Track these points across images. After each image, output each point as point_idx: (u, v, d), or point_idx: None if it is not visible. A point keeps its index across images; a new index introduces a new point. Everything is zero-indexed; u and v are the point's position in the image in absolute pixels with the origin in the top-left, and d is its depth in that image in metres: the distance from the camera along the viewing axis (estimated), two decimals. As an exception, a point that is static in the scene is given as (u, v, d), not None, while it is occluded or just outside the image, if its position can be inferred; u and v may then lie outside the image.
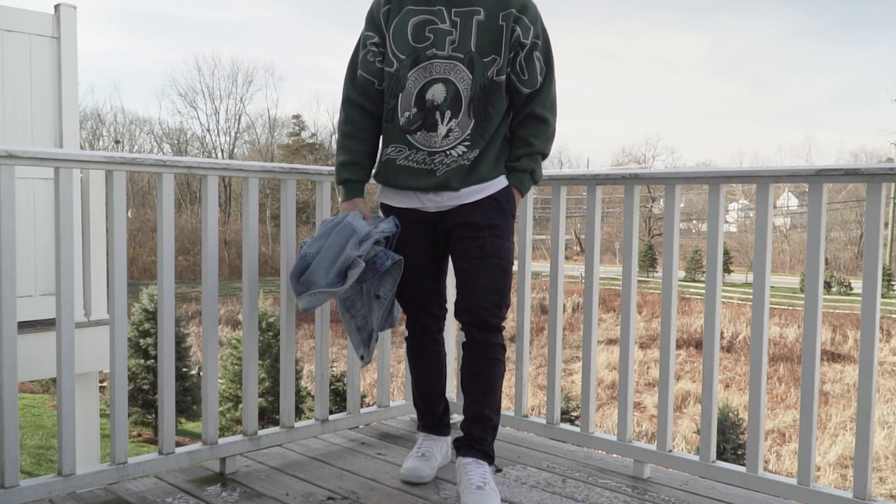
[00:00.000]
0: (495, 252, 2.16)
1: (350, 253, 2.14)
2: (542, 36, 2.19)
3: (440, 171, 2.15)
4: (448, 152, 2.15)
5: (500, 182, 2.21)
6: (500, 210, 2.19)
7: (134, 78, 68.91)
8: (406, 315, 2.39)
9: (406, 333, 2.44)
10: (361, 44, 2.26)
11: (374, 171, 2.33)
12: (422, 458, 2.38)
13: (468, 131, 2.15)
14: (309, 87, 76.30)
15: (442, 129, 2.14)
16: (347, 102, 2.28)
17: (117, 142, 43.35)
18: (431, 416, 2.47)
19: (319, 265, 2.14)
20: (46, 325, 4.28)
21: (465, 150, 2.15)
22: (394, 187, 2.25)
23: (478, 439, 2.21)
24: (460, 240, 2.20)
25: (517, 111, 2.22)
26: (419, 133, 2.16)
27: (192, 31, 67.98)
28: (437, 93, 2.14)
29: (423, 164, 2.16)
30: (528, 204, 2.76)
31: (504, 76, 2.15)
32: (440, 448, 2.45)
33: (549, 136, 2.24)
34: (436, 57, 2.14)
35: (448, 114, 2.13)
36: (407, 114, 2.16)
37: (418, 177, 2.17)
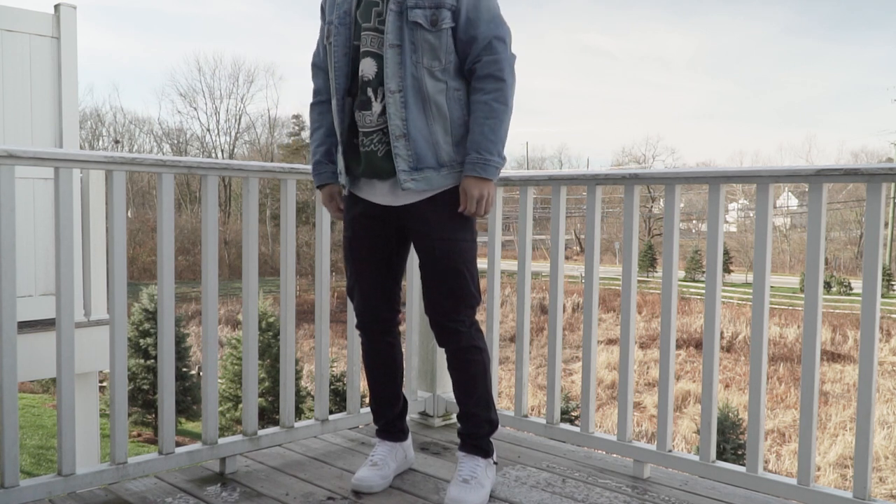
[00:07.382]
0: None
1: None
2: None
3: None
4: None
5: None
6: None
7: (134, 78, 69.04)
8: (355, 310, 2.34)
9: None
10: None
11: None
12: (374, 467, 2.30)
13: None
14: (309, 88, 76.11)
15: None
16: None
17: (117, 142, 43.34)
18: (384, 419, 2.39)
19: None
20: (46, 325, 4.28)
21: None
22: None
23: (469, 435, 2.27)
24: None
25: None
26: None
27: (193, 30, 68.16)
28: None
29: None
30: (528, 204, 2.76)
31: None
32: (395, 455, 2.37)
33: None
34: None
35: None
36: None
37: None
